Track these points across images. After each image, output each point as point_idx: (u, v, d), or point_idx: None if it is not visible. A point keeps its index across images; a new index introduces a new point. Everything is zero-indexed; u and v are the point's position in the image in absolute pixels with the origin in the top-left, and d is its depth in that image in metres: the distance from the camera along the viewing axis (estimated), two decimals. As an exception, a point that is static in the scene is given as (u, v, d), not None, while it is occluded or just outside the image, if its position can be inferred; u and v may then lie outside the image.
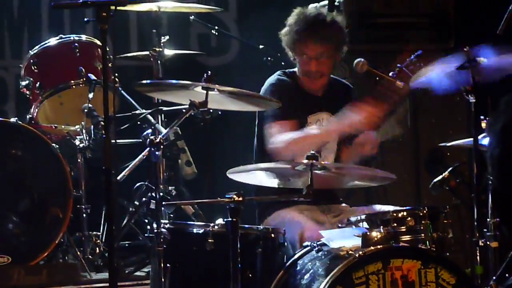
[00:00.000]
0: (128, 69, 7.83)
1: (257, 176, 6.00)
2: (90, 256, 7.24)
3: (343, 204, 6.49)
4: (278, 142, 6.26)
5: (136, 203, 7.31)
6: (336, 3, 6.74)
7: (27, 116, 7.52)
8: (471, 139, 6.15)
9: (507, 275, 6.16)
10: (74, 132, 7.36)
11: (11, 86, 8.65)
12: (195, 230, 5.92)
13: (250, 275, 5.80)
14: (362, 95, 6.67)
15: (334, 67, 6.62)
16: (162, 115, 6.97)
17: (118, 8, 5.50)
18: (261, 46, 7.66)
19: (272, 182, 6.00)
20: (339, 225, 6.00)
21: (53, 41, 7.66)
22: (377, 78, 6.49)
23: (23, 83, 7.59)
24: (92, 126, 7.19)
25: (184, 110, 5.75)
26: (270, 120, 6.39)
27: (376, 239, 5.64)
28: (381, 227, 5.69)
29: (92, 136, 7.23)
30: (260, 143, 6.47)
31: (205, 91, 5.59)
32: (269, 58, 7.56)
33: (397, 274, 5.49)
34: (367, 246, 5.57)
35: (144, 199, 7.26)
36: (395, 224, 5.70)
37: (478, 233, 6.12)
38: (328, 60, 6.43)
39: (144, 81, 6.15)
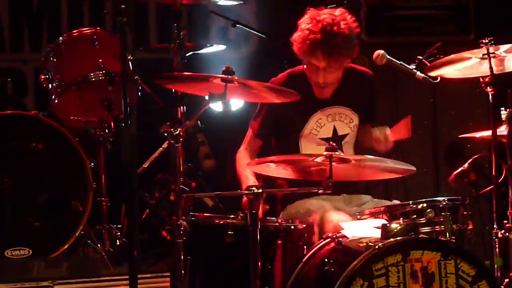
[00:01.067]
0: (148, 62, 7.83)
1: (276, 168, 6.03)
2: (110, 249, 7.29)
3: (365, 196, 6.52)
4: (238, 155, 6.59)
5: (156, 195, 7.36)
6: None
7: (47, 109, 7.52)
8: (490, 130, 6.19)
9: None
10: (93, 125, 7.38)
11: (30, 79, 8.67)
12: (215, 223, 5.96)
13: (270, 267, 5.84)
14: (382, 87, 6.73)
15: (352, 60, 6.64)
16: (183, 108, 7.00)
17: (137, 0, 5.54)
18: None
19: (290, 174, 6.04)
20: (358, 216, 6.04)
21: (72, 34, 7.67)
22: (398, 70, 6.53)
23: (43, 76, 7.63)
24: (111, 119, 7.23)
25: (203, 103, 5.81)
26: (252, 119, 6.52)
27: (395, 230, 5.67)
28: (401, 219, 5.72)
29: (112, 129, 7.27)
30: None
31: (224, 83, 5.63)
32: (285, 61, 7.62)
33: (416, 266, 5.52)
34: (387, 238, 5.60)
35: (163, 191, 7.31)
36: (415, 216, 5.72)
37: (498, 225, 6.16)
38: (337, 71, 6.46)
39: (164, 74, 6.20)
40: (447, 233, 5.68)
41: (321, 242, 5.91)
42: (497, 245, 6.16)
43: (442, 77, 6.33)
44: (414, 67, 6.45)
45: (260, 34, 8.01)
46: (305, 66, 6.51)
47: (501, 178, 6.16)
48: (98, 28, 7.63)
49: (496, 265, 6.03)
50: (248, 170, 6.28)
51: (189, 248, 5.82)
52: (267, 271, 5.78)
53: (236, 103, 6.26)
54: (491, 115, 6.18)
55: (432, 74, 6.29)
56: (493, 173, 6.20)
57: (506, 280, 6.02)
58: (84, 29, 7.69)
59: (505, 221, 6.14)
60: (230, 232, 5.84)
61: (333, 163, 5.66)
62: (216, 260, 5.96)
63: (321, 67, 6.41)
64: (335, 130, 6.55)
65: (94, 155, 7.33)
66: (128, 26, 5.82)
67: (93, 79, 7.32)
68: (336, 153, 5.73)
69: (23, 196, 7.15)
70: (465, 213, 5.81)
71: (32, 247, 7.03)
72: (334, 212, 6.16)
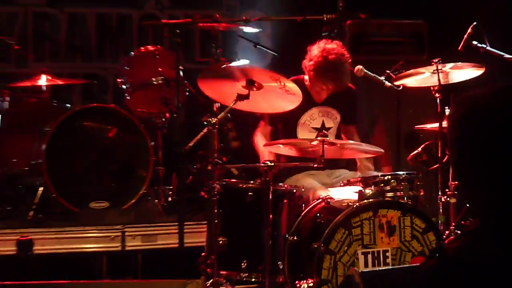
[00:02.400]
0: (193, 71, 7.79)
1: (282, 148, 6.04)
2: (164, 204, 7.31)
3: (343, 170, 6.49)
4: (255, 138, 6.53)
5: (198, 166, 7.36)
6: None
7: (121, 104, 7.52)
8: (437, 124, 6.19)
9: (462, 222, 6.19)
10: (154, 115, 7.41)
11: (110, 82, 8.68)
12: (239, 186, 5.96)
13: (278, 219, 5.83)
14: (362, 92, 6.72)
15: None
16: (218, 104, 7.00)
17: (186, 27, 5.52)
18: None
19: (293, 153, 6.04)
20: (341, 184, 6.03)
21: (140, 49, 7.65)
22: (372, 80, 6.50)
23: (120, 80, 7.62)
24: (167, 111, 7.27)
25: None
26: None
27: (368, 195, 5.70)
28: (372, 186, 5.73)
29: (167, 118, 7.29)
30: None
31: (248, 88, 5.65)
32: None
33: (383, 220, 5.52)
34: (362, 200, 5.62)
35: (203, 163, 7.32)
36: (382, 185, 5.74)
37: (441, 192, 6.17)
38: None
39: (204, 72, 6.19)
40: (405, 197, 5.68)
41: (314, 202, 5.91)
42: (440, 207, 6.17)
43: (404, 85, 6.31)
44: (383, 78, 6.41)
45: (273, 53, 7.96)
46: (306, 77, 6.49)
47: (445, 159, 6.17)
48: (159, 46, 7.61)
49: (439, 221, 6.05)
50: (264, 149, 6.26)
51: (220, 204, 5.82)
52: (276, 222, 5.76)
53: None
54: (438, 112, 6.18)
55: (397, 83, 6.28)
56: (439, 155, 6.21)
57: (447, 232, 6.04)
58: (149, 46, 7.64)
59: (447, 190, 6.16)
60: (250, 193, 5.84)
61: (325, 146, 5.66)
62: (239, 213, 5.93)
63: (325, 89, 6.44)
64: (323, 123, 6.54)
65: (154, 136, 7.31)
66: (180, 45, 5.78)
67: (155, 83, 7.27)
68: (327, 138, 5.76)
69: (103, 165, 7.19)
70: (418, 183, 5.81)
71: (109, 201, 7.07)
72: (321, 190, 6.15)
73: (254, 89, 5.77)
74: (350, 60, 6.44)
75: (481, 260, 2.63)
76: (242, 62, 7.80)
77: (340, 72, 6.38)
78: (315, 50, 6.34)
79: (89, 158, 7.15)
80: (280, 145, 6.04)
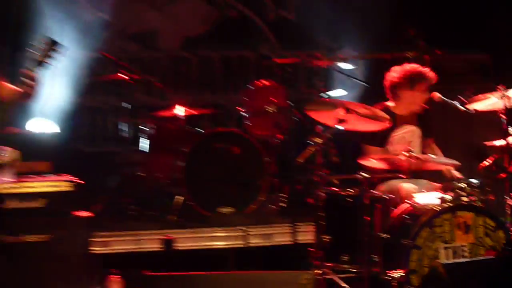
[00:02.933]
0: (299, 100, 7.77)
1: (375, 162, 6.01)
2: (279, 208, 7.28)
3: (423, 180, 6.28)
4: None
5: (306, 177, 7.37)
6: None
7: (242, 128, 7.57)
8: (503, 140, 6.08)
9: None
10: (269, 137, 7.42)
11: (233, 110, 8.72)
12: (340, 194, 5.96)
13: (372, 220, 5.80)
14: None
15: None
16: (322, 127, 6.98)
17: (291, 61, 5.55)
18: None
19: (384, 165, 5.99)
20: (425, 190, 5.95)
21: (256, 83, 7.65)
22: (446, 105, 6.43)
23: (241, 109, 7.64)
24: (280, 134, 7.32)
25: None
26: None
27: (448, 199, 5.63)
28: (451, 192, 5.67)
29: (280, 139, 7.33)
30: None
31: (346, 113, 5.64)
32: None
33: (460, 220, 5.46)
34: (442, 204, 5.55)
35: (310, 175, 7.32)
36: (459, 191, 5.66)
37: (508, 196, 6.02)
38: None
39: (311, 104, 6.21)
40: (478, 201, 5.61)
41: (404, 205, 5.87)
42: (507, 209, 6.05)
43: (475, 110, 6.22)
44: (457, 103, 6.34)
45: (365, 84, 7.94)
46: (389, 103, 6.43)
47: (510, 169, 6.06)
48: (272, 81, 7.63)
49: (507, 221, 5.93)
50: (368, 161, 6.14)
51: (325, 208, 5.84)
52: (371, 222, 5.75)
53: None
54: (504, 131, 6.08)
55: (469, 107, 6.19)
56: (506, 166, 6.10)
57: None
58: (264, 81, 7.65)
59: (509, 197, 6.04)
60: (349, 199, 5.84)
61: (412, 160, 5.63)
62: (341, 215, 5.93)
63: (414, 99, 6.31)
64: (408, 140, 6.41)
65: (270, 154, 7.30)
66: (289, 79, 5.82)
67: (269, 110, 7.32)
68: (413, 153, 5.72)
69: (229, 177, 7.22)
70: (488, 189, 5.72)
71: (234, 207, 7.13)
72: (409, 188, 6.10)
73: (350, 114, 5.78)
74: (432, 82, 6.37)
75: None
76: (340, 92, 7.80)
77: (430, 78, 6.30)
78: (407, 66, 6.27)
79: (217, 172, 7.18)
80: (373, 160, 6.00)
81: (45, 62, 4.68)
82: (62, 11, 7.99)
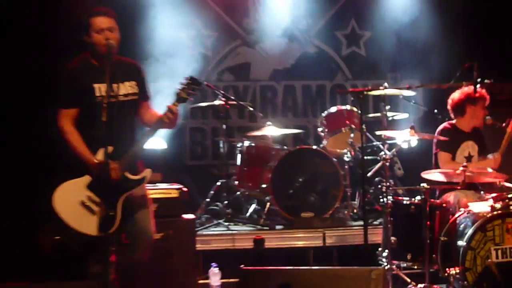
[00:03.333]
0: (369, 122, 7.71)
1: (434, 175, 5.99)
2: (352, 214, 7.28)
3: (481, 192, 6.19)
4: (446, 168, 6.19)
5: (375, 187, 7.39)
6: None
7: (321, 145, 7.58)
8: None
9: None
10: (344, 153, 7.39)
11: (312, 131, 8.74)
12: (404, 202, 5.97)
13: (432, 225, 5.79)
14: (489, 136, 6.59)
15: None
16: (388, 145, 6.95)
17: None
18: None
19: (440, 177, 5.97)
20: (477, 201, 5.90)
21: (333, 109, 7.67)
22: (497, 127, 6.38)
23: (319, 129, 7.68)
24: (353, 150, 7.32)
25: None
26: (438, 150, 6.34)
27: (498, 208, 5.59)
28: (501, 202, 5.63)
29: (353, 155, 7.34)
30: (436, 160, 6.44)
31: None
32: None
33: (509, 226, 5.45)
34: (493, 212, 5.52)
35: (379, 185, 7.33)
36: (507, 201, 5.63)
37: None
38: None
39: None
40: (525, 209, 5.57)
41: (460, 212, 5.85)
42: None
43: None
44: (505, 124, 6.30)
45: (424, 108, 7.90)
46: (452, 121, 6.41)
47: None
48: (347, 106, 7.63)
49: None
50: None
51: (392, 214, 5.86)
52: (432, 227, 5.74)
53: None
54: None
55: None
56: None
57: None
58: (340, 106, 7.70)
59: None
60: (413, 207, 5.85)
61: (466, 173, 5.62)
62: (405, 220, 5.92)
63: (474, 115, 6.32)
64: (469, 153, 6.40)
65: (344, 168, 7.30)
66: (360, 104, 5.85)
67: (343, 131, 7.34)
68: (467, 168, 5.73)
69: (309, 187, 7.17)
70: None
71: (314, 212, 7.08)
72: (466, 198, 6.06)
73: (415, 134, 5.80)
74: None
75: None
76: (403, 115, 7.78)
77: (486, 97, 6.29)
78: (467, 88, 6.23)
79: (300, 182, 7.13)
80: (436, 173, 6.01)
81: (187, 98, 4.73)
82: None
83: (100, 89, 4.79)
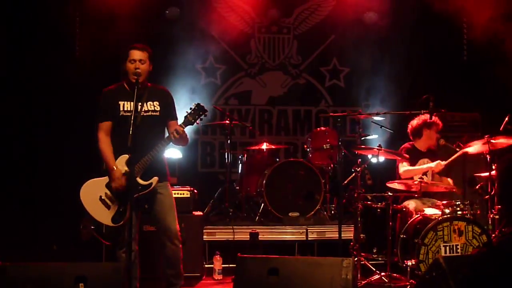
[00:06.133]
0: (346, 141, 7.64)
1: (397, 184, 5.98)
2: (330, 214, 7.21)
3: (433, 199, 6.23)
4: (403, 172, 6.19)
5: (349, 194, 7.33)
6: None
7: (306, 158, 7.50)
8: (488, 173, 6.01)
9: (502, 229, 5.95)
10: (325, 166, 7.32)
11: (300, 147, 8.68)
12: (372, 206, 5.95)
13: (394, 225, 5.76)
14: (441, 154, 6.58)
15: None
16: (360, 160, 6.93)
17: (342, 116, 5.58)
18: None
19: (401, 187, 5.96)
20: (431, 207, 5.91)
21: (317, 129, 7.54)
22: (448, 147, 6.38)
23: (305, 145, 7.56)
24: (332, 164, 7.26)
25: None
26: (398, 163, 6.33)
27: (447, 212, 5.60)
28: (449, 208, 5.64)
29: (332, 167, 7.29)
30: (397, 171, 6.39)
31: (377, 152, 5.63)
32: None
33: (456, 227, 5.44)
34: (443, 215, 5.52)
35: (352, 192, 7.24)
36: (455, 207, 5.63)
37: (490, 212, 5.96)
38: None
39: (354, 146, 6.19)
40: (469, 214, 5.57)
41: (416, 215, 5.85)
42: (489, 220, 5.98)
43: (467, 151, 6.17)
44: (455, 145, 6.31)
45: (391, 131, 7.86)
46: (411, 143, 6.41)
47: (492, 192, 5.97)
48: (327, 127, 7.58)
49: (489, 229, 5.84)
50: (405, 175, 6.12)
51: (362, 215, 5.81)
52: (393, 226, 5.74)
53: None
54: (488, 166, 6.02)
55: (464, 150, 6.15)
56: (489, 190, 6.03)
57: (493, 235, 5.79)
58: (322, 128, 7.58)
59: (493, 210, 5.95)
60: (379, 210, 5.84)
61: (422, 184, 5.62)
62: (372, 221, 5.88)
63: (429, 138, 6.31)
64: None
65: (324, 176, 7.25)
66: (339, 126, 5.84)
67: (325, 148, 7.26)
68: (424, 179, 5.71)
69: (296, 192, 7.11)
70: (476, 206, 5.66)
71: (300, 212, 7.03)
72: (421, 204, 6.06)
73: (384, 152, 5.81)
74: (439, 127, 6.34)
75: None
76: (373, 136, 7.77)
77: (439, 123, 6.27)
78: (423, 116, 6.23)
79: (289, 188, 7.09)
80: (396, 184, 6.01)
81: (193, 122, 4.71)
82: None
83: (124, 105, 4.83)
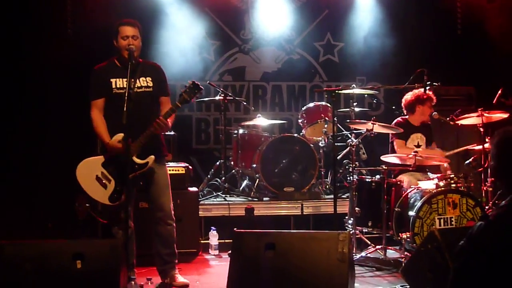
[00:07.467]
0: (340, 116, 7.61)
1: (391, 158, 5.99)
2: (325, 189, 7.23)
3: (428, 172, 6.22)
4: (400, 151, 6.18)
5: (344, 168, 7.35)
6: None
7: (301, 134, 7.47)
8: (481, 145, 6.02)
9: (496, 202, 5.97)
10: (319, 140, 7.30)
11: (294, 122, 8.67)
12: (367, 180, 5.99)
13: (389, 198, 5.79)
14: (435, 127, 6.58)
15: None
16: (354, 134, 6.90)
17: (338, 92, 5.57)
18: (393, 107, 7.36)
19: (396, 161, 5.97)
20: (425, 180, 5.93)
21: (311, 104, 7.52)
22: (442, 121, 6.39)
23: (300, 121, 7.57)
24: (326, 138, 7.25)
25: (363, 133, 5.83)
26: (394, 138, 6.33)
27: (442, 185, 5.62)
28: (444, 181, 5.65)
29: (326, 142, 7.26)
30: (392, 146, 6.43)
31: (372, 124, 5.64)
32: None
33: (450, 200, 5.48)
34: (438, 188, 5.54)
35: (346, 167, 7.29)
36: (449, 180, 5.65)
37: (484, 184, 5.99)
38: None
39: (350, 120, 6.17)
40: (463, 187, 5.59)
41: (411, 189, 5.87)
42: (483, 193, 6.01)
43: (461, 124, 6.18)
44: (449, 119, 6.32)
45: (383, 104, 7.87)
46: (405, 116, 6.40)
47: (486, 165, 6.00)
48: (323, 102, 7.46)
49: (483, 201, 5.87)
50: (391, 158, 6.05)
51: (357, 189, 5.79)
52: (388, 200, 5.76)
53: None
54: (482, 139, 6.04)
55: (458, 122, 6.16)
56: (482, 163, 6.05)
57: (487, 207, 5.83)
58: (317, 102, 7.52)
59: (487, 183, 5.98)
60: (373, 184, 5.86)
61: (417, 157, 5.63)
62: (367, 195, 5.91)
63: (422, 114, 6.29)
64: (418, 143, 6.39)
65: (319, 152, 7.22)
66: (334, 101, 5.80)
67: (319, 122, 7.24)
68: (418, 153, 5.71)
69: (292, 167, 7.08)
70: (470, 179, 5.70)
71: (295, 187, 7.02)
72: (416, 178, 6.07)
73: (378, 126, 5.80)
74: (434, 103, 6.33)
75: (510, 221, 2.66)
76: (368, 109, 7.73)
77: (433, 99, 6.27)
78: (417, 91, 6.22)
79: (284, 163, 7.07)
80: (393, 157, 6.01)
81: (189, 101, 4.67)
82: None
83: (116, 82, 4.79)
